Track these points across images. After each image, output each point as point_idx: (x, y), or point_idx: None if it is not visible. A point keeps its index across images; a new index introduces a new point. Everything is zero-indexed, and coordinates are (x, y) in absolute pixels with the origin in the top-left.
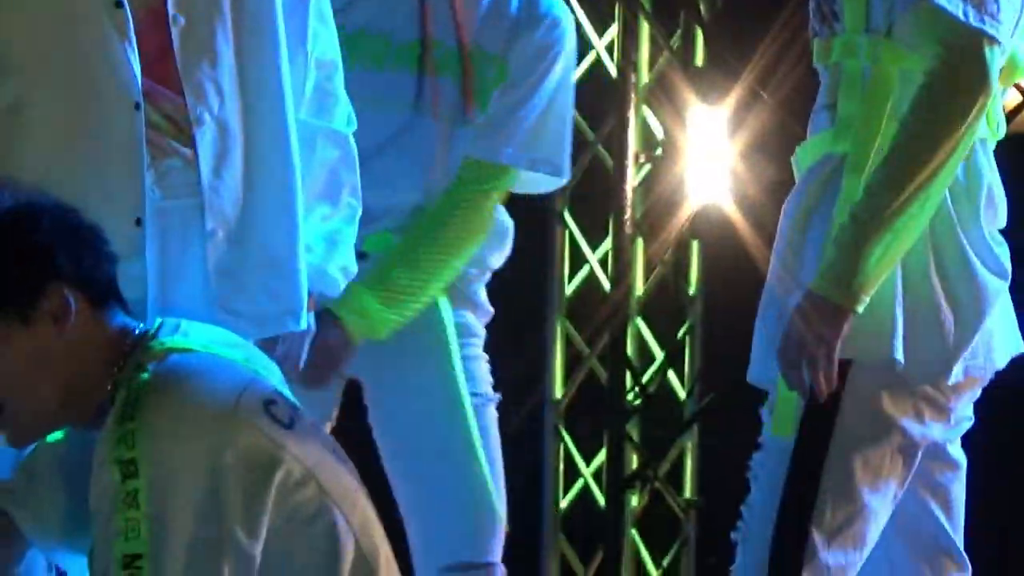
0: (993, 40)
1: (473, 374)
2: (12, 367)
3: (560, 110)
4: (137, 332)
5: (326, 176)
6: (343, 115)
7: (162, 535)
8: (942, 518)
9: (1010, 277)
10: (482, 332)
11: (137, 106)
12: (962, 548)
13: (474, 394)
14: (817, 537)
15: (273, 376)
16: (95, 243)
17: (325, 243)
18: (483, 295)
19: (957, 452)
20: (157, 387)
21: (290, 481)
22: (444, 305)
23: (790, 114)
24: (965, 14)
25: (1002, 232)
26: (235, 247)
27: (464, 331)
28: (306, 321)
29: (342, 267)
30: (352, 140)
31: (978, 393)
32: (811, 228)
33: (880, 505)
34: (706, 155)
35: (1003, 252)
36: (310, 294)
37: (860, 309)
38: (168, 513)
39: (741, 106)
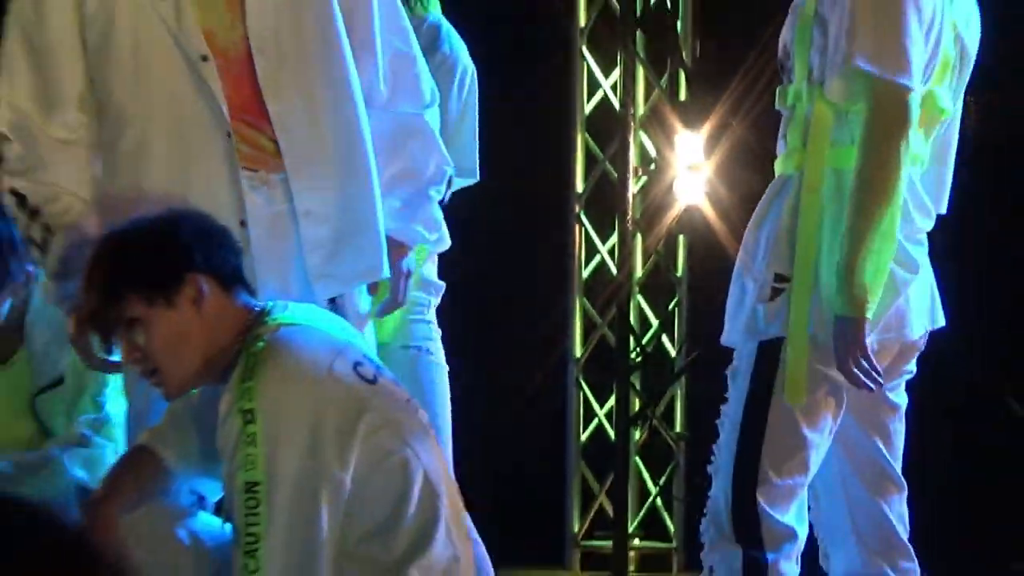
0: (910, 89)
1: (414, 332)
2: (163, 340)
3: (468, 126)
4: (256, 310)
5: (408, 151)
6: (423, 95)
7: (274, 467)
8: (884, 450)
9: (920, 269)
10: (429, 302)
11: (228, 135)
12: (900, 472)
13: (404, 347)
14: (768, 466)
15: (360, 343)
16: (223, 240)
17: (407, 205)
18: (430, 272)
19: (898, 397)
20: (270, 354)
21: (373, 425)
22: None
23: (753, 138)
24: (883, 72)
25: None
26: (324, 226)
27: (413, 302)
28: (387, 270)
29: (423, 220)
30: (433, 113)
31: (910, 355)
32: (762, 228)
33: (818, 438)
34: (689, 169)
35: (918, 250)
36: (402, 244)
37: (870, 315)
38: (279, 450)
39: (715, 131)
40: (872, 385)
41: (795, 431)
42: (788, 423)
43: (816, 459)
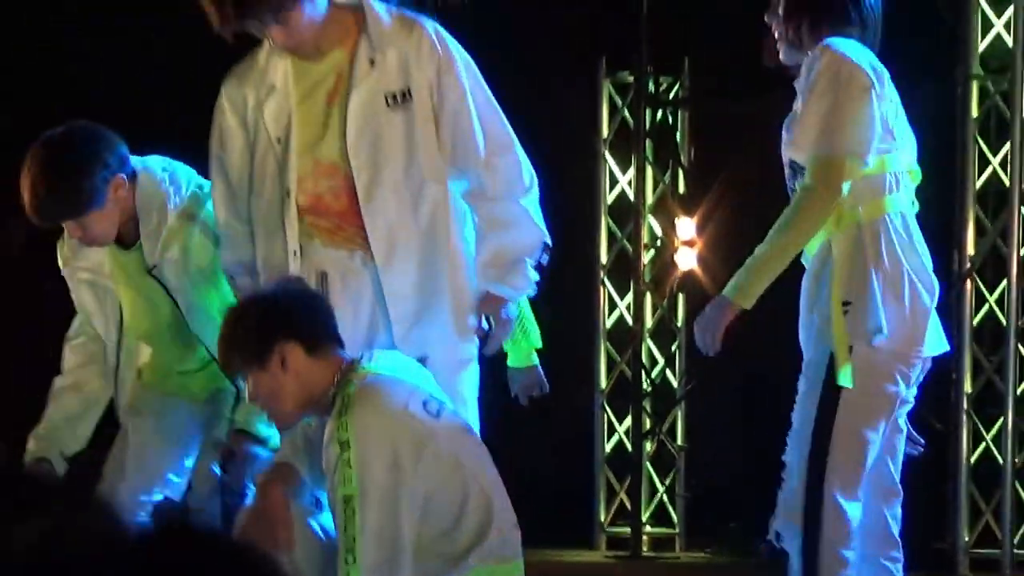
0: (844, 161)
1: None
2: (261, 393)
3: None
4: (348, 360)
5: (508, 235)
6: (523, 184)
7: (365, 483)
8: (891, 466)
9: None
10: None
11: (295, 253)
12: (898, 481)
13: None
14: (837, 456)
15: (428, 385)
16: (312, 307)
17: (505, 271)
18: None
19: (903, 421)
20: (360, 396)
21: (438, 450)
22: None
23: (735, 221)
24: (820, 149)
25: None
26: (406, 303)
27: None
28: (458, 337)
29: (518, 281)
30: (533, 196)
31: (921, 376)
32: (820, 276)
33: (874, 437)
34: (686, 245)
35: (934, 278)
36: (500, 298)
37: (749, 306)
38: (368, 470)
39: (705, 216)
40: (710, 353)
41: (858, 429)
42: (853, 422)
43: (872, 455)
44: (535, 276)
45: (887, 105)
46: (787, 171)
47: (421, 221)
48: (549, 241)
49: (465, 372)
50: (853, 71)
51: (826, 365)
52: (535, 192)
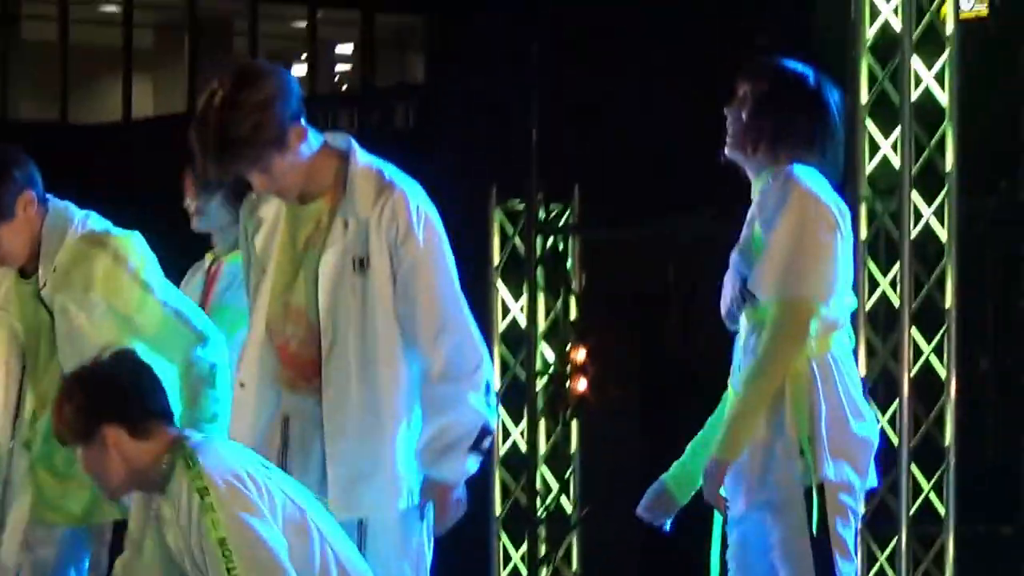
0: (813, 305)
1: None
2: (88, 469)
3: None
4: (176, 435)
5: (448, 417)
6: (468, 365)
7: (232, 520)
8: None
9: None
10: None
11: (241, 384)
12: None
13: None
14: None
15: (251, 457)
16: (140, 387)
17: (445, 456)
18: None
19: None
20: (200, 448)
21: (279, 496)
22: None
23: (624, 347)
24: (784, 294)
25: None
26: (344, 467)
27: None
28: (399, 507)
29: (459, 466)
30: (470, 378)
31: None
32: (778, 410)
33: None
34: (579, 370)
35: (871, 410)
36: (446, 483)
37: (737, 457)
38: (231, 507)
39: (597, 342)
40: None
41: (849, 549)
42: (845, 547)
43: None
44: (473, 463)
45: (847, 245)
46: (733, 293)
47: (370, 392)
48: (491, 428)
49: (408, 537)
50: (822, 212)
51: (803, 505)
52: (481, 376)
